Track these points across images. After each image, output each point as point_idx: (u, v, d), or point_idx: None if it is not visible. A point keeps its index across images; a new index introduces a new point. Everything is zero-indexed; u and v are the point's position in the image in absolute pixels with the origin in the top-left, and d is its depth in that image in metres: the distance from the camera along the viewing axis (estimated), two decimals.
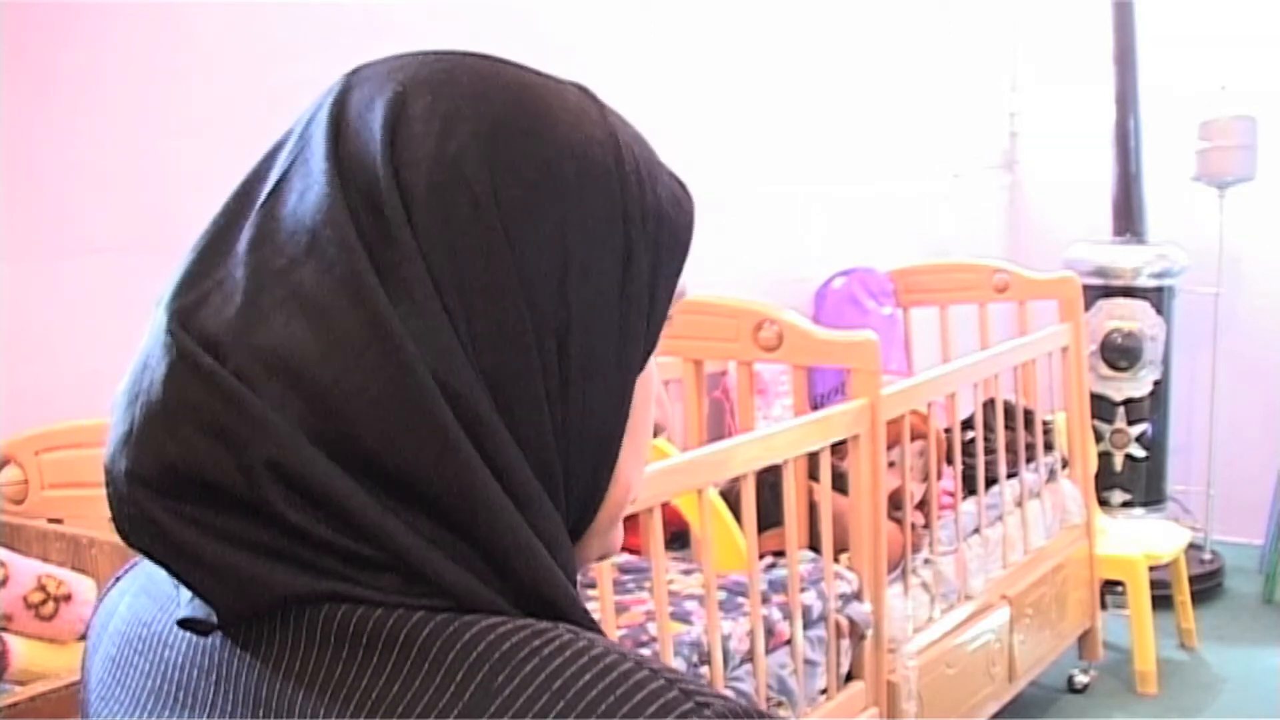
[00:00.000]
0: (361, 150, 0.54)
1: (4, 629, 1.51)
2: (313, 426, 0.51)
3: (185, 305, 0.54)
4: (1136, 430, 4.35)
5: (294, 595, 0.51)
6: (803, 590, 2.41)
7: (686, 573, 2.56)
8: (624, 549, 2.72)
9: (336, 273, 0.52)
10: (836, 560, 2.55)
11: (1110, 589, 3.86)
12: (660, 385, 0.64)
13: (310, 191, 0.54)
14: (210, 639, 0.54)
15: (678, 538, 2.76)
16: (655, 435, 0.64)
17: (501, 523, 0.52)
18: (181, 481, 0.51)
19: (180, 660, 0.56)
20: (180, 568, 0.52)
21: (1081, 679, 3.63)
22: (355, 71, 0.59)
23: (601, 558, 0.64)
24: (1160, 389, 4.37)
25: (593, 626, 0.54)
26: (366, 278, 0.52)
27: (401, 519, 0.51)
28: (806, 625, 2.41)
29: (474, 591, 0.51)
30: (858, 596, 2.56)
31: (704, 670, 2.17)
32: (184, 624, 0.53)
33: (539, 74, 0.60)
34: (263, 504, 0.50)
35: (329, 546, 0.51)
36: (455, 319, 0.53)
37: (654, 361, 0.61)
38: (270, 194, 0.55)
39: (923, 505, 2.90)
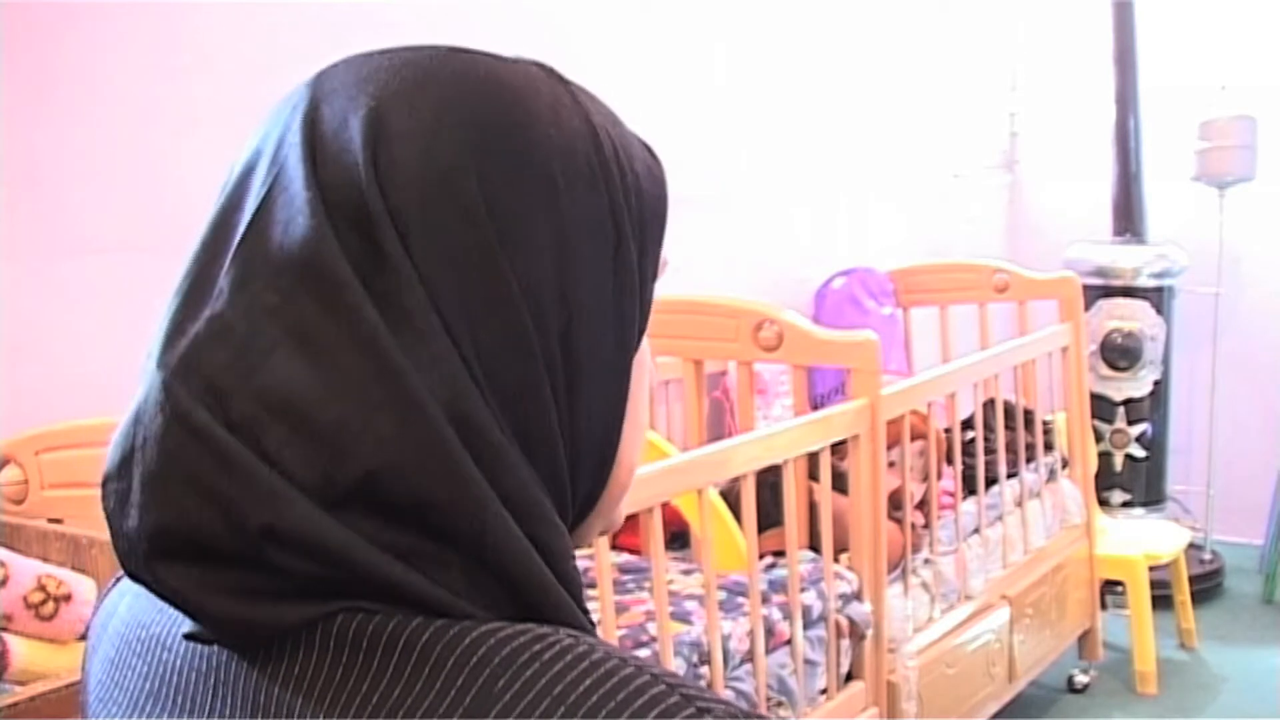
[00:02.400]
0: (344, 175, 0.53)
1: (4, 629, 1.51)
2: (317, 468, 0.50)
3: (177, 355, 0.52)
4: (1136, 430, 4.35)
5: (298, 624, 0.51)
6: (803, 590, 2.41)
7: (686, 573, 2.56)
8: (624, 549, 2.73)
9: (333, 308, 0.51)
10: (836, 560, 2.55)
11: (1110, 589, 3.86)
12: (647, 354, 0.64)
13: (295, 223, 0.52)
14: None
15: (678, 538, 2.76)
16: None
17: (508, 545, 0.52)
18: (179, 542, 0.51)
19: (178, 663, 0.56)
20: (185, 613, 0.52)
21: (1081, 679, 3.63)
22: (318, 82, 0.57)
23: (604, 532, 0.64)
24: (1160, 389, 4.37)
25: (593, 633, 0.54)
26: (365, 311, 0.51)
27: (405, 556, 0.51)
28: (806, 625, 2.41)
29: (476, 612, 0.51)
30: (858, 596, 2.56)
31: (704, 670, 2.17)
32: (189, 637, 0.53)
33: (502, 61, 0.58)
34: (260, 560, 0.50)
35: (329, 584, 0.51)
36: (459, 339, 0.52)
37: (646, 337, 0.61)
38: (250, 226, 0.54)
39: (923, 505, 2.90)
